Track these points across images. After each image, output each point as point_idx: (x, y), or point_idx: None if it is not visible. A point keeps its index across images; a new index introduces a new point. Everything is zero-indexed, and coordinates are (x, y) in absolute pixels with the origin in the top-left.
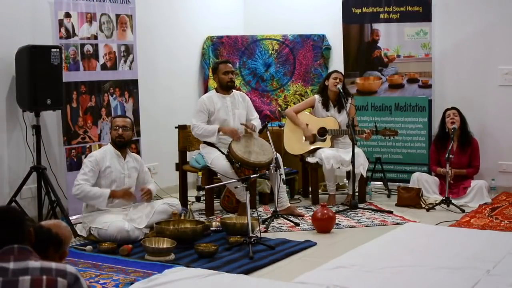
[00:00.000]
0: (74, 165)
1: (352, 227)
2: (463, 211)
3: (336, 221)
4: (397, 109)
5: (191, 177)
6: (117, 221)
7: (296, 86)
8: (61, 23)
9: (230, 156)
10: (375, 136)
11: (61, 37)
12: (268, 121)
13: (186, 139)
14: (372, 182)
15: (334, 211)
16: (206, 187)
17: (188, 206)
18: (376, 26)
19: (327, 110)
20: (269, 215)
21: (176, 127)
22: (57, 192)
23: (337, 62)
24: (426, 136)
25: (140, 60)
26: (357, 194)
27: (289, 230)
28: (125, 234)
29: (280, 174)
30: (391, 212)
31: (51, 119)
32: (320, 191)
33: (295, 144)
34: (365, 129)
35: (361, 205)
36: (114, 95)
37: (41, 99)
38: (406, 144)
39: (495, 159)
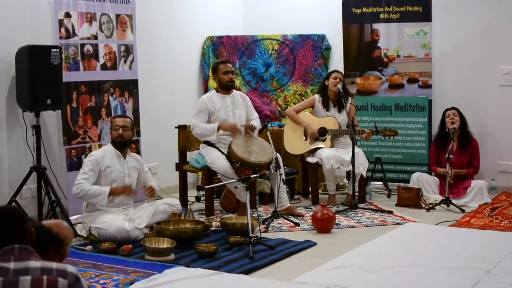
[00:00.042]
0: (74, 165)
1: (352, 227)
2: (463, 211)
3: (336, 221)
4: (397, 109)
5: (191, 177)
6: (117, 221)
7: (296, 86)
8: (61, 23)
9: (230, 156)
10: (375, 136)
11: (61, 37)
12: (268, 121)
13: (186, 139)
14: (372, 182)
15: (334, 211)
16: (206, 187)
17: (188, 206)
18: (376, 26)
19: (327, 110)
20: (269, 215)
21: (176, 127)
22: (57, 192)
23: (337, 62)
24: (426, 136)
25: (140, 60)
26: (357, 194)
27: (289, 230)
28: (125, 234)
29: (280, 174)
30: (391, 212)
31: (51, 119)
32: (320, 191)
33: (295, 144)
34: (365, 129)
35: (361, 205)
36: (114, 95)
37: (41, 99)
38: (406, 144)
39: (495, 159)
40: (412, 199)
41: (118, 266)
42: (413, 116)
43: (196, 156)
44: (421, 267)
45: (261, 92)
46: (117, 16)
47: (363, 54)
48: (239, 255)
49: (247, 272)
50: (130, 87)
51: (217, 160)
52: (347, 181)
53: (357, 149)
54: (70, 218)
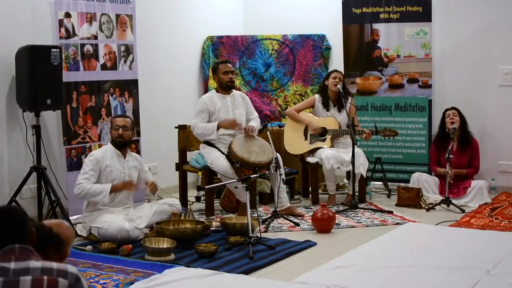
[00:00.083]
0: (74, 165)
1: (352, 227)
2: (463, 211)
3: (336, 221)
4: (397, 109)
5: (191, 177)
6: (117, 220)
7: (296, 86)
8: (61, 23)
9: (230, 156)
10: (375, 136)
11: (61, 37)
12: (268, 121)
13: (186, 139)
14: (372, 182)
15: (334, 211)
16: (206, 187)
17: (188, 206)
18: (376, 26)
19: (327, 110)
20: (269, 215)
21: (176, 127)
22: (57, 192)
23: (337, 62)
24: (426, 136)
25: (140, 60)
26: (357, 194)
27: (289, 230)
28: (125, 233)
29: (280, 174)
30: (391, 212)
31: (51, 119)
32: (320, 191)
33: (295, 144)
34: (365, 129)
35: (361, 205)
36: (114, 95)
37: (41, 99)
38: (406, 144)
39: (495, 159)
40: (412, 199)
41: (118, 266)
42: (413, 116)
43: (196, 156)
44: (421, 267)
45: (261, 92)
46: (117, 16)
47: (363, 54)
48: (239, 255)
49: (247, 272)
50: (130, 87)
51: (217, 160)
52: (347, 181)
53: (357, 149)
54: (70, 218)
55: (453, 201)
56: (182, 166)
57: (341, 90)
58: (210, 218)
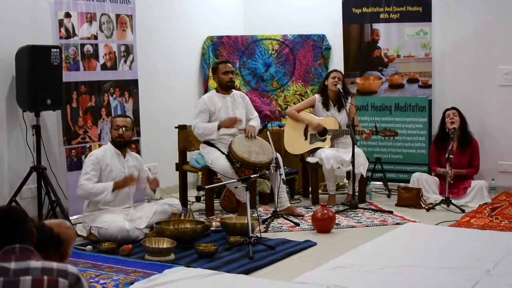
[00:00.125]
0: (74, 165)
1: (352, 227)
2: (463, 211)
3: (336, 221)
4: (397, 109)
5: (191, 177)
6: (118, 220)
7: (296, 86)
8: (61, 23)
9: (231, 156)
10: (375, 136)
11: (61, 37)
12: (268, 121)
13: (186, 139)
14: (372, 182)
15: (334, 211)
16: (206, 187)
17: (188, 206)
18: (376, 26)
19: (327, 109)
20: (269, 215)
21: (176, 127)
22: (57, 192)
23: (337, 62)
24: (426, 136)
25: (140, 60)
26: (357, 194)
27: (289, 230)
28: (126, 233)
29: (280, 174)
30: (391, 212)
31: (51, 119)
32: (320, 191)
33: (295, 144)
34: (365, 129)
35: (361, 205)
36: (114, 95)
37: (41, 99)
38: (406, 144)
39: (495, 159)
40: (412, 199)
41: (118, 266)
42: (413, 116)
43: (196, 156)
44: (421, 267)
45: (261, 92)
46: (117, 16)
47: (363, 54)
48: (239, 255)
49: (247, 272)
50: (130, 87)
51: (217, 160)
52: (347, 181)
53: (357, 149)
54: (70, 218)
55: (453, 201)
56: (182, 166)
57: (341, 90)
58: (210, 218)
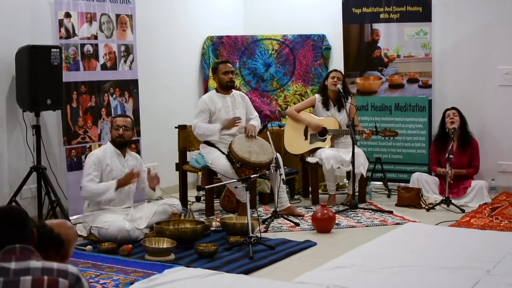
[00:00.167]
0: (74, 165)
1: (352, 227)
2: (463, 211)
3: (336, 221)
4: (397, 109)
5: (191, 177)
6: (118, 220)
7: (296, 86)
8: (61, 23)
9: (231, 156)
10: (375, 136)
11: (61, 37)
12: (268, 121)
13: (186, 139)
14: (372, 182)
15: (334, 211)
16: (206, 187)
17: (188, 206)
18: (376, 26)
19: (327, 109)
20: (269, 215)
21: (176, 127)
22: (57, 192)
23: (337, 62)
24: (426, 136)
25: (140, 60)
26: (357, 194)
27: (289, 230)
28: (126, 233)
29: (280, 174)
30: (391, 212)
31: (51, 119)
32: (320, 191)
33: (295, 144)
34: (365, 129)
35: (361, 205)
36: (114, 95)
37: (41, 99)
38: (406, 144)
39: (495, 159)
40: (412, 199)
41: (118, 266)
42: (413, 116)
43: (196, 156)
44: (421, 267)
45: (261, 92)
46: (117, 16)
47: (363, 54)
48: (239, 255)
49: (247, 272)
50: (130, 87)
51: (218, 160)
52: (347, 181)
53: (357, 149)
54: (70, 218)
55: (453, 201)
56: (182, 166)
57: (341, 90)
58: (210, 218)
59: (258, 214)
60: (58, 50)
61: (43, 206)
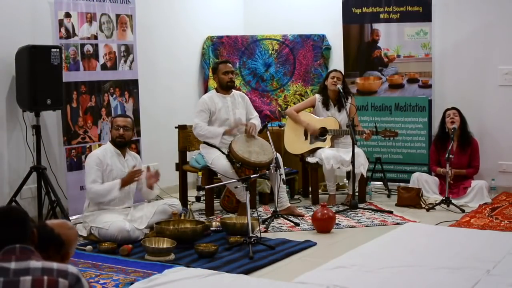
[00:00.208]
0: (74, 165)
1: (352, 227)
2: (463, 211)
3: (336, 221)
4: (397, 109)
5: (191, 177)
6: (118, 221)
7: (296, 86)
8: (61, 23)
9: (231, 156)
10: (375, 136)
11: (61, 37)
12: (268, 121)
13: (186, 139)
14: (372, 182)
15: (334, 211)
16: (206, 187)
17: (188, 206)
18: (376, 26)
19: (328, 109)
20: (269, 215)
21: (176, 127)
22: (57, 192)
23: (337, 62)
24: (426, 136)
25: (140, 60)
26: (357, 194)
27: (289, 230)
28: (126, 234)
29: (280, 174)
30: (391, 212)
31: (51, 119)
32: (320, 191)
33: (295, 144)
34: (365, 129)
35: (361, 205)
36: (114, 95)
37: (41, 99)
38: (406, 144)
39: (495, 159)
40: (412, 199)
41: (118, 266)
42: (413, 116)
43: (196, 156)
44: (421, 267)
45: (261, 92)
46: (117, 16)
47: (363, 54)
48: (239, 255)
49: (247, 272)
50: (130, 87)
51: (218, 160)
52: (347, 181)
53: (357, 149)
54: (70, 218)
55: (453, 201)
56: (182, 166)
57: (341, 90)
58: (210, 218)
59: (258, 214)
60: (58, 50)
61: (43, 206)
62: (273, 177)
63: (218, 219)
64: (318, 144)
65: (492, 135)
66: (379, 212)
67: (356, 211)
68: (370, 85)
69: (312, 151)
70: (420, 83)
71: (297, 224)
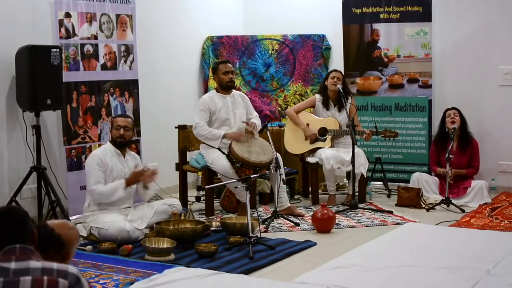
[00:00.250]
0: (74, 165)
1: (352, 227)
2: (463, 211)
3: (336, 221)
4: (397, 109)
5: (191, 177)
6: (118, 221)
7: (296, 86)
8: (61, 23)
9: (231, 156)
10: (375, 136)
11: (61, 37)
12: (268, 121)
13: (186, 139)
14: (372, 182)
15: (334, 211)
16: (206, 187)
17: (188, 206)
18: (376, 26)
19: (328, 109)
20: (269, 215)
21: (176, 127)
22: (57, 192)
23: (337, 62)
24: (426, 136)
25: (140, 60)
26: (357, 194)
27: (289, 230)
28: (126, 234)
29: (280, 174)
30: (391, 212)
31: (51, 119)
32: (320, 191)
33: (295, 144)
34: (365, 129)
35: (361, 205)
36: (114, 95)
37: (41, 99)
38: (406, 144)
39: (495, 159)
40: (412, 199)
41: (118, 266)
42: (413, 116)
43: (196, 156)
44: (421, 267)
45: (261, 92)
46: (117, 16)
47: (363, 54)
48: (239, 255)
49: (247, 272)
50: (130, 87)
51: (218, 160)
52: (347, 181)
53: (357, 149)
54: (70, 218)
55: (453, 201)
56: (182, 166)
57: (341, 90)
58: (210, 218)
59: (258, 214)
60: (58, 50)
61: (43, 206)
62: (273, 177)
63: (218, 219)
64: (318, 144)
65: (492, 135)
66: (379, 212)
67: (356, 211)
68: (370, 85)
69: (312, 151)
70: (420, 83)
71: (297, 224)
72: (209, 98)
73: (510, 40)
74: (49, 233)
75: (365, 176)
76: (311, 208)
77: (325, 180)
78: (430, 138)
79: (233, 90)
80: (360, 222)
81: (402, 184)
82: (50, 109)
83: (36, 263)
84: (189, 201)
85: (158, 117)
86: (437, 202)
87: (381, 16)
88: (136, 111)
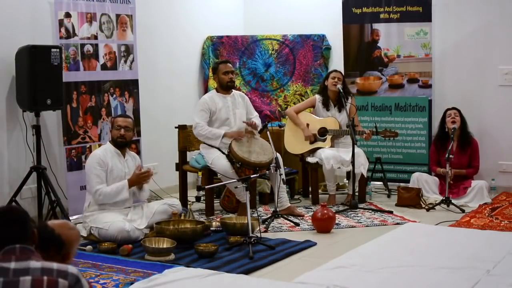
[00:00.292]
0: (74, 165)
1: (352, 227)
2: (463, 211)
3: (336, 221)
4: (397, 109)
5: (191, 177)
6: (118, 221)
7: (296, 86)
8: (61, 23)
9: (231, 156)
10: (375, 136)
11: (61, 37)
12: (268, 121)
13: (186, 139)
14: (372, 182)
15: (334, 211)
16: (206, 187)
17: (188, 206)
18: (376, 26)
19: (328, 109)
20: (269, 215)
21: (176, 127)
22: (57, 192)
23: (337, 62)
24: (426, 136)
25: (140, 60)
26: (357, 194)
27: (289, 230)
28: (126, 234)
29: (280, 174)
30: (391, 212)
31: (51, 119)
32: (320, 191)
33: (295, 144)
34: (365, 129)
35: (361, 205)
36: (114, 95)
37: (41, 99)
38: (406, 144)
39: (495, 159)
40: (412, 199)
41: (118, 266)
42: (413, 116)
43: (196, 156)
44: (421, 267)
45: (261, 92)
46: (117, 16)
47: (363, 54)
48: (239, 255)
49: (247, 272)
50: (130, 87)
51: (218, 160)
52: (347, 181)
53: (357, 149)
54: (70, 218)
55: (453, 201)
56: (182, 166)
57: (341, 90)
58: (210, 218)
59: (258, 214)
60: (58, 50)
61: (43, 206)
62: (273, 177)
63: (218, 219)
64: (318, 144)
65: (492, 135)
66: (379, 212)
67: (356, 211)
68: (370, 85)
69: (312, 151)
70: (420, 83)
71: (297, 224)
72: (209, 98)
73: (510, 40)
74: (49, 233)
75: (365, 176)
76: (311, 208)
77: (325, 180)
78: (430, 138)
79: (233, 90)
80: (360, 222)
81: (402, 184)
82: (50, 109)
83: (36, 263)
84: (189, 201)
85: (158, 117)
86: (437, 202)
87: (381, 16)
88: (136, 111)
